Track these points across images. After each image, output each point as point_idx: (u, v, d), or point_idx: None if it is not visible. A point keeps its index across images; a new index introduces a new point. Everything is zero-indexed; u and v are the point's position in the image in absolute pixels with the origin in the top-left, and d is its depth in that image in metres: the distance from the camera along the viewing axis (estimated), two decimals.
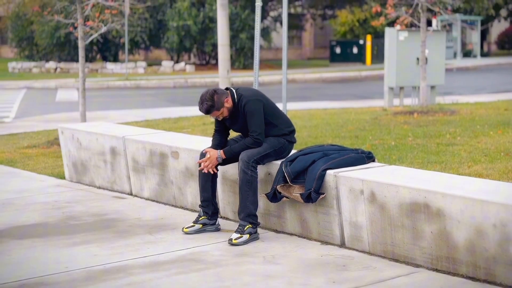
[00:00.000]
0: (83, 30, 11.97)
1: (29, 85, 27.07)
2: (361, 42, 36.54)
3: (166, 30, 34.24)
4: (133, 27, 32.79)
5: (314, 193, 5.76)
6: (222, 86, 14.46)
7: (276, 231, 6.31)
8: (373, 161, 6.21)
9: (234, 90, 6.18)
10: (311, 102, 18.91)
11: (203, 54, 36.25)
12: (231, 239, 5.92)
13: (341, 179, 5.72)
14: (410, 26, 16.58)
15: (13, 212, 7.24)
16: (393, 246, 5.40)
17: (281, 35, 35.01)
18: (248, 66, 33.21)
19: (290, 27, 38.67)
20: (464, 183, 5.30)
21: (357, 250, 5.67)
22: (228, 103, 6.10)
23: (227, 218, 6.79)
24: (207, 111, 6.06)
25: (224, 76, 15.59)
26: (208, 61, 36.34)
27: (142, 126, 12.81)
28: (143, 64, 33.22)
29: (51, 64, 33.84)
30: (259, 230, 6.20)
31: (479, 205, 4.83)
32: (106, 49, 35.40)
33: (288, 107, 12.78)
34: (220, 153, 6.15)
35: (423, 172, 5.77)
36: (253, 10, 32.09)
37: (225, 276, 5.16)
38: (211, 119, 13.90)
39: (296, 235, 6.14)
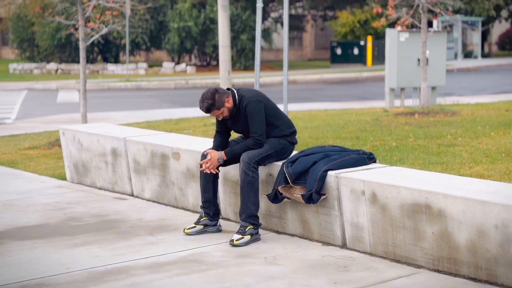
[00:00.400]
0: (84, 32, 11.98)
1: (30, 86, 27.09)
2: (361, 43, 36.55)
3: (167, 31, 34.27)
4: (134, 28, 32.82)
5: (316, 194, 5.76)
6: (223, 87, 14.46)
7: (277, 232, 6.31)
8: (374, 162, 6.21)
9: (235, 91, 6.19)
10: (312, 103, 18.91)
11: (204, 55, 36.28)
12: (232, 240, 5.92)
13: (342, 180, 5.72)
14: (411, 27, 16.59)
15: (15, 213, 7.24)
16: (395, 247, 5.40)
17: (282, 36, 34.99)
18: (249, 67, 33.23)
19: (291, 28, 38.67)
20: (465, 184, 5.30)
21: (358, 251, 5.67)
22: (229, 103, 6.11)
23: (228, 219, 6.79)
24: (208, 110, 6.06)
25: (225, 77, 15.60)
26: (209, 62, 36.36)
27: (143, 127, 12.81)
28: (144, 65, 33.24)
29: (52, 66, 33.87)
30: (260, 231, 6.21)
31: (480, 206, 4.83)
32: (107, 50, 35.43)
33: (289, 108, 12.79)
34: (221, 154, 6.15)
35: (424, 173, 5.76)
36: (254, 11, 32.10)
37: (226, 277, 5.16)
38: (211, 120, 13.90)
39: (297, 236, 6.14)
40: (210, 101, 6.03)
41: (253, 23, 32.17)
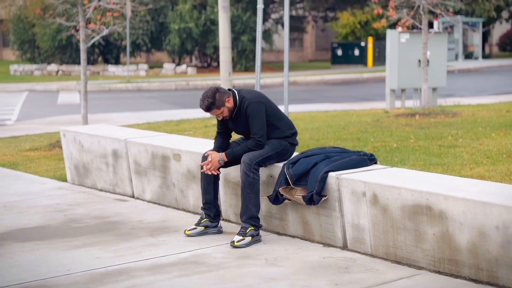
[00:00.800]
0: (85, 33, 11.98)
1: (30, 87, 27.10)
2: (362, 44, 36.54)
3: (167, 33, 34.27)
4: (135, 29, 32.82)
5: (316, 196, 5.76)
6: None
7: (278, 233, 6.31)
8: (375, 163, 6.21)
9: (236, 92, 6.19)
10: (313, 104, 18.91)
11: (205, 56, 36.28)
12: (233, 242, 5.92)
13: (343, 181, 5.72)
14: (412, 28, 16.58)
15: (16, 214, 7.24)
16: (396, 248, 5.40)
17: (282, 37, 34.99)
18: (249, 68, 33.23)
19: (292, 29, 38.62)
20: (466, 185, 5.29)
21: (359, 252, 5.67)
22: (229, 103, 6.10)
23: (229, 221, 6.78)
24: (208, 108, 6.06)
25: (225, 79, 15.60)
26: (209, 63, 36.37)
27: (144, 128, 12.82)
28: (145, 66, 33.24)
29: (53, 67, 33.87)
30: (261, 232, 6.20)
31: (482, 207, 4.82)
32: (107, 51, 35.43)
33: (290, 109, 12.79)
34: (222, 155, 6.15)
35: (425, 174, 5.76)
36: (254, 13, 32.10)
37: (227, 279, 5.16)
38: (212, 122, 13.91)
39: (298, 237, 6.14)
40: (211, 99, 6.03)
41: (254, 24, 32.16)
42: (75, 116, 16.72)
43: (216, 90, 6.09)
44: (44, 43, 33.46)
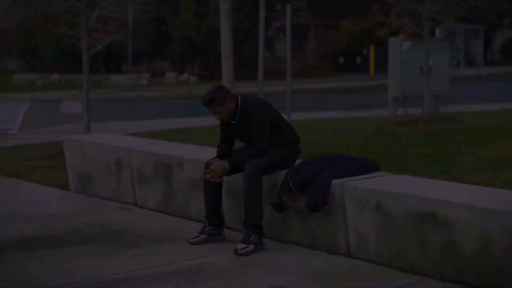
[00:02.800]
0: (87, 42, 11.99)
1: (33, 97, 27.12)
2: (364, 52, 36.56)
3: (169, 42, 34.32)
4: (137, 38, 32.87)
5: (320, 203, 5.75)
6: None
7: (281, 241, 6.29)
8: (378, 170, 6.20)
9: (239, 97, 6.18)
10: (315, 112, 18.92)
11: (207, 65, 36.32)
12: (236, 250, 5.91)
13: (347, 189, 5.71)
14: (414, 36, 16.59)
15: (18, 223, 7.23)
16: (400, 256, 5.38)
17: (284, 45, 35.09)
18: (251, 76, 33.26)
19: (293, 37, 38.51)
20: (470, 192, 5.29)
21: (363, 260, 5.65)
22: (231, 105, 6.09)
23: (232, 229, 6.76)
24: (208, 103, 6.05)
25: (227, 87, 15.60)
26: (211, 72, 36.39)
27: (146, 137, 12.79)
28: (147, 75, 33.27)
29: (55, 76, 33.90)
30: (264, 240, 6.18)
31: (486, 213, 4.81)
32: (109, 60, 35.48)
33: (292, 117, 12.78)
34: (225, 163, 6.14)
35: (428, 181, 5.75)
36: (256, 21, 32.14)
37: (230, 287, 5.14)
38: (215, 130, 13.89)
39: (301, 245, 6.12)
40: (213, 95, 6.03)
41: (256, 32, 32.18)
42: (78, 125, 16.70)
43: (221, 87, 6.10)
44: (46, 52, 33.50)
